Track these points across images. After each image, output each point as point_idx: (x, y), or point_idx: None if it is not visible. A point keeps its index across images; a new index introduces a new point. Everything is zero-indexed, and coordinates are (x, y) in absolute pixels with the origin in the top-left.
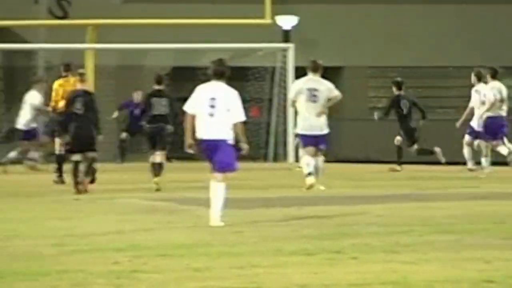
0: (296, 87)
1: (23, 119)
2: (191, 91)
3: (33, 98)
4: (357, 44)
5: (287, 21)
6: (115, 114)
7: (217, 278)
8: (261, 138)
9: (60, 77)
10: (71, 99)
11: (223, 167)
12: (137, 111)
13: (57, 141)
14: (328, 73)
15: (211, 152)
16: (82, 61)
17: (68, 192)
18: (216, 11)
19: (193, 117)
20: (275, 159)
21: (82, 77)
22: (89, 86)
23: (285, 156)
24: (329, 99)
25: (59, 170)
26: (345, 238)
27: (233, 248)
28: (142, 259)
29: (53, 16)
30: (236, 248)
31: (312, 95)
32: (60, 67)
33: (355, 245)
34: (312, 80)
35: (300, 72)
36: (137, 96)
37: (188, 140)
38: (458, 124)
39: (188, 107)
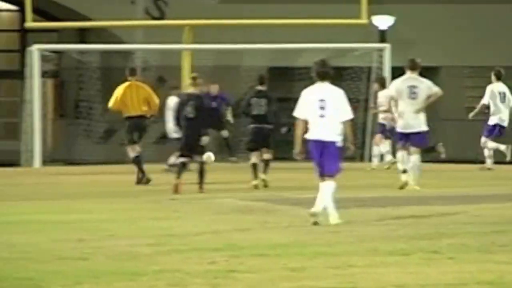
0: (396, 85)
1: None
2: (287, 92)
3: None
4: (454, 44)
5: (383, 21)
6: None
7: (313, 278)
8: (357, 138)
9: (125, 80)
10: (182, 103)
11: (330, 172)
12: (214, 104)
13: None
14: (425, 73)
15: (318, 152)
16: (179, 61)
17: (164, 192)
18: (312, 11)
19: (304, 122)
20: (371, 159)
21: (194, 81)
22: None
23: (381, 156)
24: (428, 96)
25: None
26: (442, 238)
27: (329, 248)
28: (239, 259)
29: (150, 16)
30: (332, 248)
31: (412, 92)
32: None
33: (452, 245)
34: (411, 78)
35: (396, 72)
36: (214, 90)
37: (298, 148)
38: None
39: (298, 112)
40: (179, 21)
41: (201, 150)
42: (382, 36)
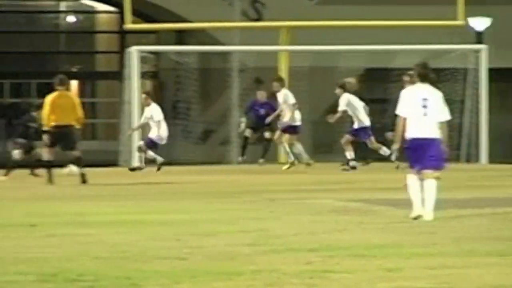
0: None
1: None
2: (383, 92)
3: (290, 98)
4: None
5: (480, 23)
6: (243, 120)
7: (409, 278)
8: (454, 139)
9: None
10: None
11: (436, 165)
12: (262, 111)
13: None
14: None
15: (422, 150)
16: (275, 62)
17: (262, 192)
18: (408, 13)
19: (405, 119)
20: (468, 160)
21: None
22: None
23: (477, 157)
24: None
25: None
26: None
27: (425, 249)
28: (335, 259)
29: (247, 18)
30: (428, 249)
31: None
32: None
33: None
34: None
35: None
36: (261, 97)
37: (398, 144)
38: None
39: (401, 110)
40: (276, 22)
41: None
42: (479, 37)
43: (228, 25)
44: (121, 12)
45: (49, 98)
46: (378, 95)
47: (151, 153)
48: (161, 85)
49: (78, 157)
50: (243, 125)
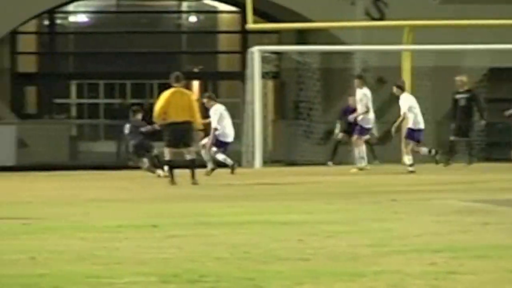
0: None
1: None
2: (508, 92)
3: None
4: None
5: None
6: (337, 127)
7: None
8: None
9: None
10: None
11: None
12: (351, 117)
13: None
14: None
15: None
16: (398, 62)
17: (384, 192)
18: None
19: None
20: None
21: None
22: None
23: None
24: None
25: None
26: None
27: None
28: (459, 260)
29: (370, 17)
30: None
31: None
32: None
33: None
34: None
35: None
36: (352, 102)
37: None
38: None
39: None
40: (399, 21)
41: None
42: None
43: (350, 24)
44: (242, 12)
45: (164, 95)
46: (502, 95)
47: (220, 155)
48: (283, 85)
49: (192, 159)
50: (337, 130)
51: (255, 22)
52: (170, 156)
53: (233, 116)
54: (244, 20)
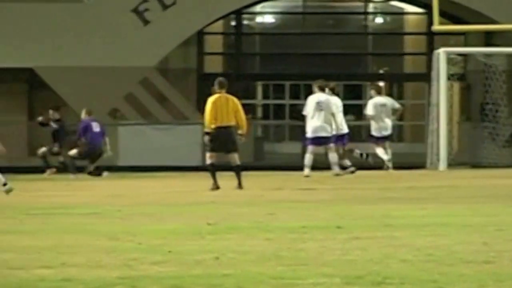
0: None
1: None
2: None
3: None
4: None
5: None
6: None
7: None
8: None
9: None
10: None
11: None
12: None
13: None
14: None
15: None
16: None
17: None
18: None
19: None
20: None
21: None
22: None
23: None
24: None
25: None
26: None
27: None
28: None
29: None
30: None
31: None
32: None
33: None
34: None
35: None
36: None
37: None
38: None
39: None
40: None
41: None
42: None
43: None
44: (429, 13)
45: (210, 101)
46: None
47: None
48: (468, 87)
49: (237, 165)
50: None
51: (441, 23)
52: (212, 160)
53: (417, 118)
54: (430, 22)
